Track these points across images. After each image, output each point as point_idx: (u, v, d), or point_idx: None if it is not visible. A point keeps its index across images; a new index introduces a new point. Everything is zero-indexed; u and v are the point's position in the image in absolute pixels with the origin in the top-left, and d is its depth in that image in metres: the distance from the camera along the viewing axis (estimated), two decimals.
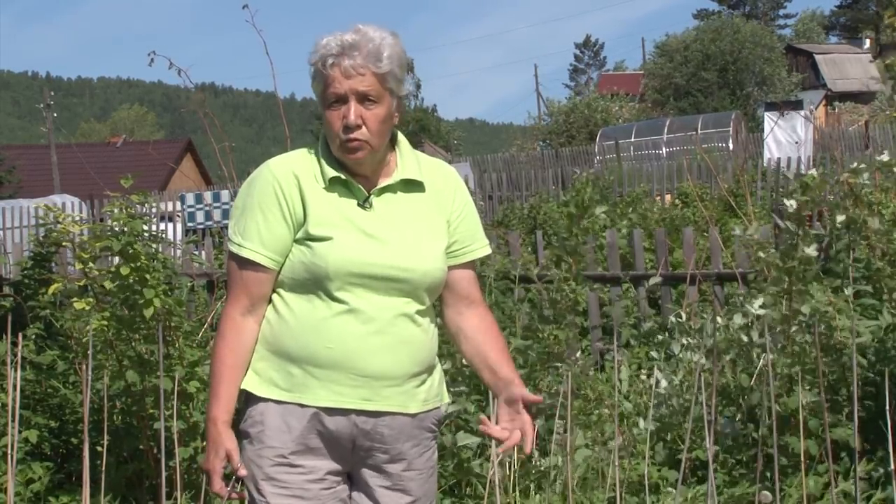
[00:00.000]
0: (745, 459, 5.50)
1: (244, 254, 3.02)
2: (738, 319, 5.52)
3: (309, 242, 3.02)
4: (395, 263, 3.03)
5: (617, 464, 5.24)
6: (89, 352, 4.79)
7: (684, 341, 6.28)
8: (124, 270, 5.50)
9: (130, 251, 5.50)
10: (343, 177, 3.04)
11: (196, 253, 10.02)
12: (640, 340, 7.69)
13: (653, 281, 7.36)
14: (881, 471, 5.33)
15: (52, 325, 6.69)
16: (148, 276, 5.52)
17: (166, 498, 5.34)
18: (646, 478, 5.17)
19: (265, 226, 3.01)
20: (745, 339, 5.47)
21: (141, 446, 5.75)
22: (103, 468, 5.13)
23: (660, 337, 6.88)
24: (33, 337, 6.35)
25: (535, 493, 5.91)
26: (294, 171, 3.04)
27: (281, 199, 3.01)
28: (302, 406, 3.04)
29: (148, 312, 5.50)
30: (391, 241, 3.04)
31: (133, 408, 5.77)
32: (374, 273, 3.01)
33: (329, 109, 3.01)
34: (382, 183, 3.09)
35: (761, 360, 5.52)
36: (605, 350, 8.01)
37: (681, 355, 6.31)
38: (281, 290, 3.06)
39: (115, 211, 5.62)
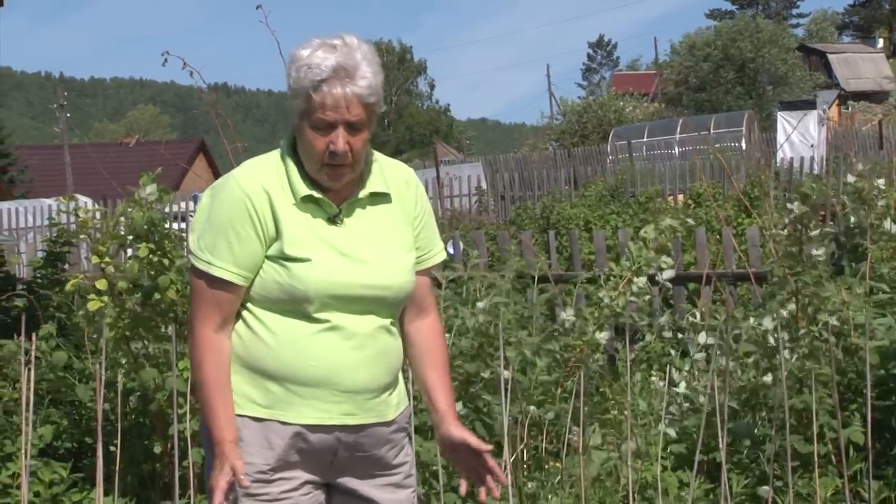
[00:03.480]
0: (759, 460, 5.48)
1: (216, 272, 2.93)
2: (767, 323, 5.48)
3: (285, 262, 2.95)
4: (374, 282, 3.00)
5: (630, 464, 5.22)
6: (103, 351, 4.80)
7: (700, 340, 6.26)
8: (143, 251, 5.49)
9: (153, 232, 5.49)
10: (315, 195, 2.97)
11: None
12: (654, 338, 7.66)
13: (666, 275, 7.32)
14: (889, 470, 5.31)
15: (66, 325, 6.70)
16: (167, 261, 5.52)
17: (179, 498, 5.35)
18: (658, 479, 5.15)
19: (238, 244, 2.92)
20: (771, 341, 5.44)
21: (156, 448, 5.75)
22: (117, 468, 5.13)
23: (674, 335, 6.85)
24: (47, 336, 6.35)
25: (550, 496, 5.90)
26: (264, 186, 2.94)
27: (253, 216, 2.93)
28: (283, 423, 3.00)
29: (166, 298, 5.48)
30: (367, 260, 2.99)
31: (147, 407, 5.77)
32: (354, 294, 2.98)
33: (312, 131, 2.91)
34: (350, 197, 3.02)
35: (776, 359, 5.50)
36: (619, 349, 7.99)
37: (696, 356, 6.28)
38: (250, 306, 3.00)
39: (138, 197, 5.58)
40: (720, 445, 4.85)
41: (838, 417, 4.73)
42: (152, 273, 5.55)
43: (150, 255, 5.51)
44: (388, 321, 3.07)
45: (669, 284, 7.84)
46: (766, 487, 4.84)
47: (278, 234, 2.94)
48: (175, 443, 5.25)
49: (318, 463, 3.06)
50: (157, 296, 5.54)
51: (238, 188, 2.94)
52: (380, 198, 3.05)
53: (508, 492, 5.10)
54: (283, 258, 2.95)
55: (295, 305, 2.96)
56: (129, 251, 5.68)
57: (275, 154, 3.03)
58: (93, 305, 5.60)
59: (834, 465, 5.16)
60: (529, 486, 5.72)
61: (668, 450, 5.78)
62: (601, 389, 6.06)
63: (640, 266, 6.13)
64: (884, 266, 6.11)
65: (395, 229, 3.06)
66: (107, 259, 5.60)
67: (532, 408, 5.77)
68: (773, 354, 5.42)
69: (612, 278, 6.17)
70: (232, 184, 2.96)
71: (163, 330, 5.67)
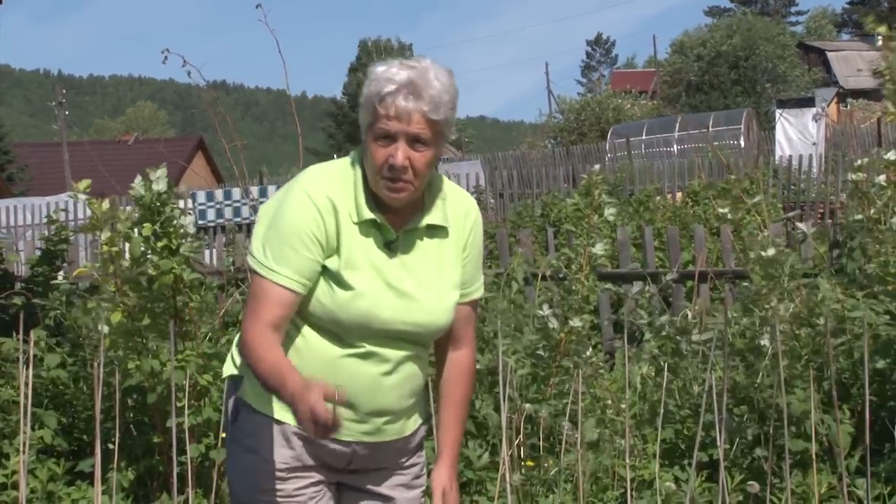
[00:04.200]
0: (756, 458, 5.49)
1: (279, 280, 2.91)
2: (757, 316, 5.51)
3: (333, 284, 2.95)
4: (414, 321, 3.02)
5: (628, 462, 5.23)
6: (101, 349, 4.81)
7: (696, 338, 6.27)
8: (146, 230, 5.50)
9: (160, 212, 5.51)
10: (378, 220, 2.96)
11: (206, 252, 10.04)
12: (653, 336, 7.67)
13: (669, 277, 7.35)
14: (881, 466, 5.32)
15: (63, 322, 6.70)
16: (172, 243, 5.54)
17: (178, 494, 5.36)
18: (656, 476, 5.16)
19: (303, 253, 2.91)
20: (764, 343, 5.45)
21: (155, 439, 5.76)
22: (115, 465, 5.14)
23: (671, 333, 6.86)
24: (44, 335, 6.36)
25: (548, 495, 5.91)
26: (333, 201, 2.92)
27: (320, 228, 2.91)
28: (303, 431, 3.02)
29: (163, 280, 5.49)
30: (412, 296, 2.99)
31: (146, 403, 5.78)
32: (392, 329, 3.00)
33: (375, 143, 2.90)
34: (409, 224, 3.00)
35: (766, 359, 5.51)
36: (617, 347, 8.00)
37: (692, 353, 6.29)
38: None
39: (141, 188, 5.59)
40: (718, 443, 4.87)
41: (835, 416, 4.74)
42: (154, 258, 5.57)
43: (153, 238, 5.52)
44: (420, 351, 3.11)
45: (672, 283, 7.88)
46: (752, 482, 4.84)
47: (338, 251, 2.94)
48: (173, 438, 5.26)
49: (333, 466, 3.10)
50: (157, 282, 5.55)
51: (307, 199, 2.91)
52: (437, 230, 3.04)
53: (507, 490, 5.11)
54: (333, 278, 2.95)
55: (332, 327, 2.98)
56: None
57: (342, 165, 3.01)
58: (91, 304, 5.61)
59: (827, 462, 5.17)
60: (526, 484, 5.74)
61: (666, 447, 5.78)
62: (594, 389, 6.06)
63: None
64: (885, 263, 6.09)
65: (446, 265, 3.06)
66: (115, 249, 5.61)
67: (527, 405, 5.78)
68: (765, 353, 5.43)
69: (572, 265, 6.17)
70: (300, 193, 2.93)
71: (163, 326, 5.68)
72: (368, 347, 2.99)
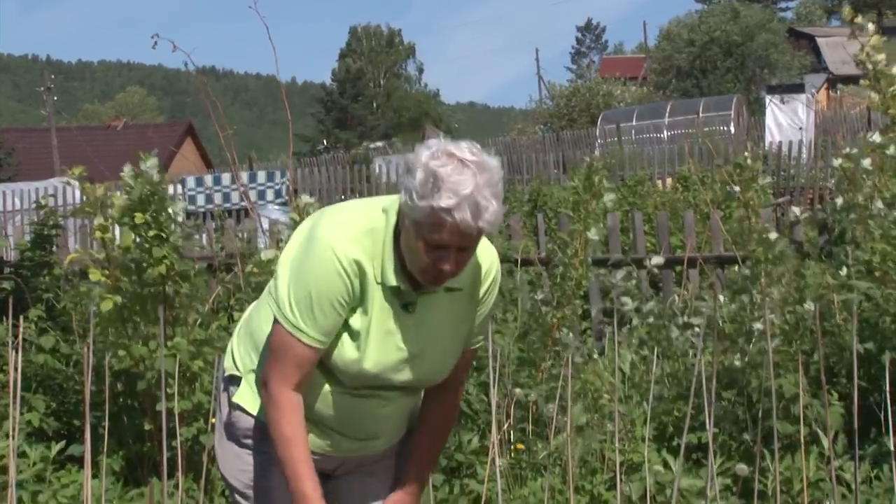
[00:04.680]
0: (744, 441, 5.51)
1: (308, 341, 2.88)
2: (745, 299, 5.53)
3: (343, 340, 2.93)
4: (416, 378, 3.02)
5: (617, 446, 5.25)
6: (90, 333, 4.81)
7: (682, 321, 6.29)
8: (139, 219, 5.50)
9: (151, 202, 5.50)
10: (402, 288, 2.91)
11: (197, 237, 10.03)
12: (642, 322, 7.70)
13: (655, 261, 7.35)
14: (867, 449, 5.35)
15: (54, 308, 6.71)
16: (164, 233, 5.53)
17: (168, 478, 5.37)
18: (645, 460, 5.18)
19: (330, 315, 2.87)
20: (757, 326, 5.47)
21: (146, 425, 5.76)
22: (104, 449, 5.14)
23: (661, 320, 6.88)
24: (35, 319, 6.36)
25: (536, 477, 5.93)
26: (360, 263, 2.85)
27: (348, 293, 2.86)
28: None
29: (155, 272, 5.50)
30: (419, 356, 2.98)
31: (136, 388, 5.78)
32: (391, 385, 3.01)
33: (424, 244, 2.78)
34: (430, 288, 2.95)
35: (754, 344, 5.53)
36: (607, 332, 8.02)
37: (681, 337, 6.32)
38: None
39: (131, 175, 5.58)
40: (706, 426, 4.88)
41: (824, 399, 4.76)
42: (146, 246, 5.57)
43: (145, 227, 5.52)
44: (419, 392, 3.13)
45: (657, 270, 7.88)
46: (742, 465, 4.86)
47: (355, 310, 2.90)
48: (163, 422, 5.26)
49: (321, 468, 3.09)
50: (149, 271, 5.55)
51: (336, 262, 2.84)
52: (456, 290, 2.99)
53: (497, 473, 5.13)
54: (346, 335, 2.93)
55: (333, 371, 2.98)
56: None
57: (371, 221, 2.90)
58: (94, 276, 5.61)
59: (816, 445, 5.20)
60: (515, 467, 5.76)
61: (655, 431, 5.81)
62: (583, 374, 6.08)
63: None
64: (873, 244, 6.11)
65: (459, 322, 3.03)
66: (109, 235, 5.61)
67: (517, 390, 5.80)
68: (753, 336, 5.46)
69: (567, 249, 6.18)
70: (328, 253, 2.84)
71: (153, 312, 5.68)
72: (367, 391, 3.01)
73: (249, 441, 3.07)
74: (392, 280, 2.87)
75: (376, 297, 2.90)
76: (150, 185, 5.55)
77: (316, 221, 2.92)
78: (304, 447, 2.90)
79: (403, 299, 2.92)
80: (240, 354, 3.11)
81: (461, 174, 2.72)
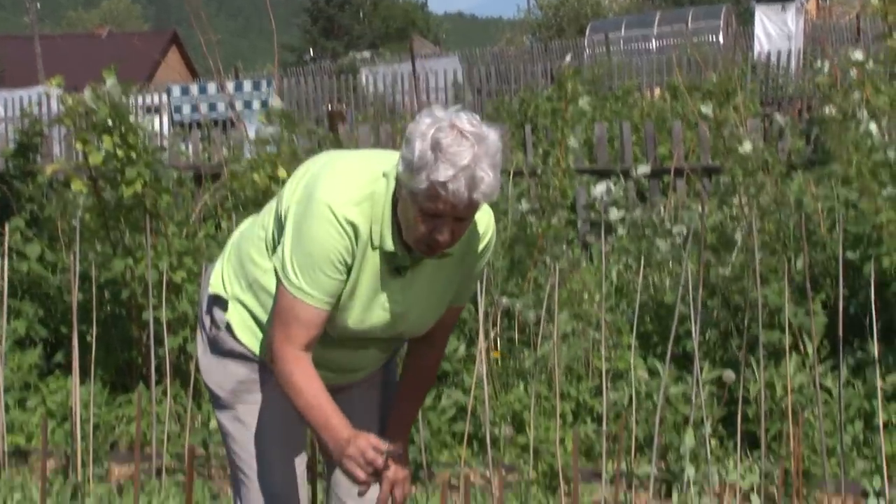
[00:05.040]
0: (729, 350, 5.56)
1: (313, 303, 2.87)
2: (726, 211, 5.55)
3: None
4: (397, 333, 3.04)
5: (603, 354, 5.29)
6: (76, 242, 4.80)
7: (674, 230, 6.30)
8: (107, 143, 5.46)
9: (117, 125, 5.46)
10: (399, 254, 2.90)
11: (183, 145, 9.98)
12: (628, 231, 7.72)
13: (641, 170, 7.34)
14: (850, 360, 5.40)
15: (39, 215, 6.68)
16: (134, 153, 5.50)
17: (156, 385, 5.40)
18: (631, 367, 5.22)
19: (334, 275, 2.87)
20: (737, 235, 5.49)
21: (132, 333, 5.78)
22: (92, 357, 5.16)
23: (647, 230, 6.89)
24: (20, 227, 6.34)
25: (522, 384, 5.97)
26: (358, 227, 2.84)
27: (348, 253, 2.86)
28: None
29: (129, 191, 5.48)
30: (401, 315, 2.98)
31: (122, 297, 5.79)
32: (375, 336, 3.02)
33: (420, 212, 2.77)
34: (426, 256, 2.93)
35: (736, 252, 5.55)
36: (593, 241, 8.04)
37: (667, 246, 6.33)
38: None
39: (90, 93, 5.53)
40: (692, 335, 4.93)
41: (809, 307, 4.79)
42: (118, 166, 5.54)
43: (115, 149, 5.49)
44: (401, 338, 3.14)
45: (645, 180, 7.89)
46: (729, 371, 4.91)
47: (348, 272, 2.90)
48: (150, 331, 5.28)
49: None
50: (123, 189, 5.53)
51: (336, 224, 2.83)
52: (450, 254, 2.96)
53: (483, 381, 5.16)
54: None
55: None
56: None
57: (373, 186, 2.88)
58: (76, 186, 5.58)
59: (800, 353, 5.24)
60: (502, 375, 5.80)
61: (640, 339, 5.84)
62: (569, 283, 6.10)
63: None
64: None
65: (448, 283, 3.02)
66: (90, 146, 5.56)
67: (504, 299, 5.82)
68: (735, 246, 5.47)
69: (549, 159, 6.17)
70: (328, 216, 2.83)
71: (136, 222, 5.67)
72: (350, 341, 3.02)
73: (231, 352, 3.08)
74: (390, 246, 2.87)
75: (369, 260, 2.90)
76: (113, 108, 5.47)
77: (315, 180, 2.90)
78: (320, 393, 2.89)
79: (396, 263, 2.93)
80: (228, 278, 3.10)
81: (460, 146, 2.71)
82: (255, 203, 5.81)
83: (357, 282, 2.90)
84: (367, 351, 3.09)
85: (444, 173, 2.69)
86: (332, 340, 2.98)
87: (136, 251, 5.67)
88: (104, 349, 5.72)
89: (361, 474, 2.78)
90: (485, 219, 2.99)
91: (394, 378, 3.29)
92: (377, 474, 2.79)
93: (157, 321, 5.36)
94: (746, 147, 5.62)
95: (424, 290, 2.97)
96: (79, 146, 5.61)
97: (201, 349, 3.16)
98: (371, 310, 2.94)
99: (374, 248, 2.88)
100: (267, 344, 2.97)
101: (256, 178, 5.87)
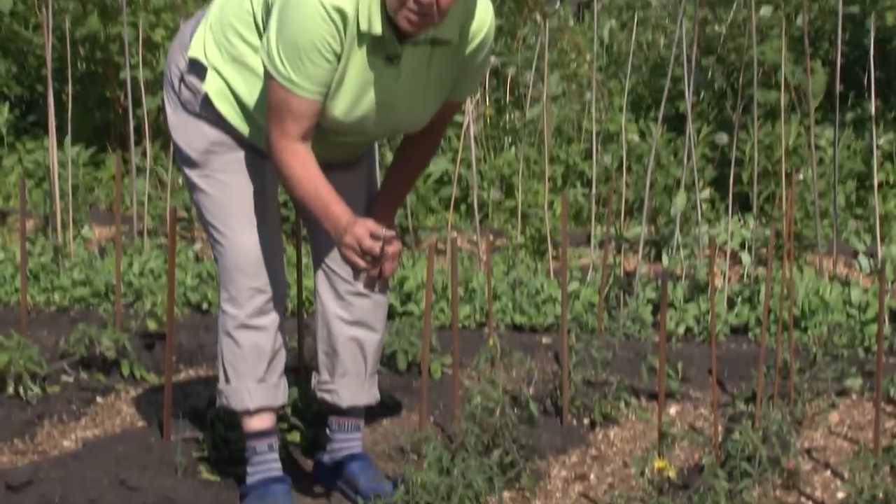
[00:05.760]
0: (723, 111, 5.43)
1: (301, 93, 2.78)
2: None
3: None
4: (390, 127, 2.97)
5: (594, 115, 5.15)
6: None
7: None
8: None
9: None
10: (386, 36, 2.78)
11: None
12: None
13: None
14: (848, 115, 5.29)
15: None
16: None
17: (135, 146, 5.28)
18: (622, 129, 5.09)
19: (322, 63, 2.76)
20: None
21: (108, 93, 5.63)
22: (69, 116, 5.01)
23: None
24: None
25: (511, 146, 5.87)
26: (344, 12, 2.73)
27: (335, 40, 2.75)
28: (252, 145, 2.97)
29: None
30: (394, 107, 2.88)
31: (98, 55, 5.61)
32: (369, 130, 2.94)
33: None
34: (416, 38, 2.80)
35: (734, 8, 5.37)
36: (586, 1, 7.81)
37: (660, 4, 6.14)
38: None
39: None
40: (685, 95, 4.78)
41: (807, 64, 4.63)
42: None
43: None
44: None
45: None
46: (721, 133, 4.79)
47: (338, 60, 2.79)
48: (128, 91, 5.13)
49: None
50: None
51: (321, 8, 2.72)
52: (443, 42, 2.84)
53: (471, 143, 5.05)
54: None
55: None
56: None
57: None
58: None
59: (796, 112, 5.11)
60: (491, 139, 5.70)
61: (632, 100, 5.70)
62: (560, 42, 5.93)
63: None
64: None
65: (443, 76, 2.90)
66: None
67: (492, 57, 5.64)
68: (733, 1, 5.28)
69: None
70: (313, 1, 2.72)
71: None
72: (344, 133, 2.94)
73: (209, 118, 2.98)
74: (378, 28, 2.75)
75: (358, 49, 2.79)
76: None
77: None
78: (319, 181, 2.82)
79: (388, 51, 2.81)
80: (209, 44, 2.97)
81: None
82: None
83: (345, 71, 2.80)
84: (360, 139, 3.01)
85: None
86: (326, 135, 2.90)
87: (111, 4, 5.46)
88: (81, 108, 5.57)
89: (360, 262, 2.75)
90: (483, 9, 2.88)
91: (374, 151, 3.22)
92: (375, 260, 2.75)
93: (136, 81, 5.20)
94: None
95: (419, 82, 2.87)
96: None
97: (171, 107, 3.06)
98: (360, 101, 2.85)
99: (361, 33, 2.77)
100: (265, 137, 2.88)
101: None
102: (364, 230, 2.73)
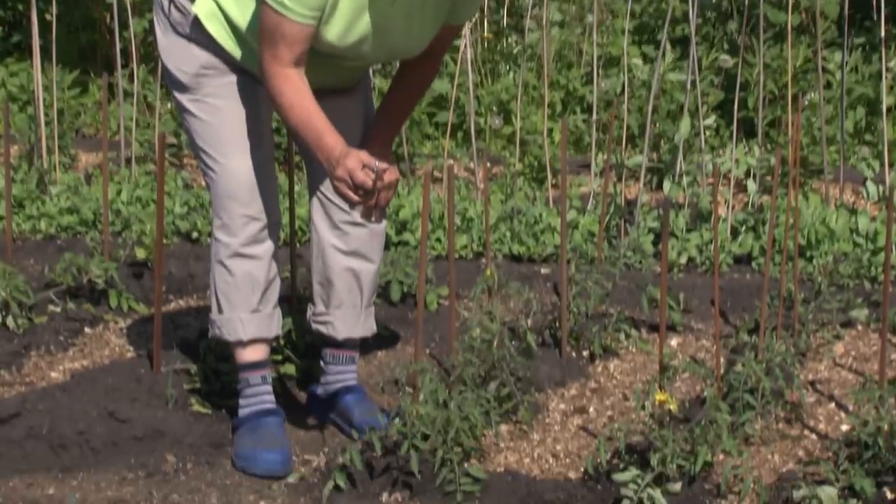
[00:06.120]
0: (728, 31, 5.30)
1: (294, 17, 2.69)
2: None
3: None
4: (386, 54, 2.90)
5: (595, 39, 5.03)
6: None
7: None
8: None
9: None
10: None
11: None
12: None
13: None
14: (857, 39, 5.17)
15: None
16: None
17: (122, 69, 5.16)
18: (624, 53, 4.97)
19: None
20: None
21: (94, 14, 5.50)
22: (53, 37, 4.89)
23: None
24: None
25: (510, 71, 5.75)
26: None
27: None
28: (244, 69, 2.90)
29: None
30: (390, 32, 2.79)
31: None
32: (365, 56, 2.85)
33: None
34: None
35: None
36: None
37: None
38: None
39: None
40: (689, 17, 4.65)
41: None
42: None
43: None
44: None
45: None
46: (725, 56, 4.67)
47: None
48: (114, 12, 5.00)
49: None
50: None
51: None
52: None
53: (468, 68, 4.94)
54: None
55: None
56: None
57: None
58: None
59: (804, 35, 4.98)
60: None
61: (635, 23, 5.57)
62: None
63: None
64: None
65: (440, 3, 2.80)
66: None
67: None
68: None
69: None
70: None
71: None
72: (340, 58, 2.85)
73: (199, 40, 2.90)
74: None
75: None
76: None
77: None
78: (311, 108, 2.75)
79: None
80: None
81: None
82: None
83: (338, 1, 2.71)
84: (358, 64, 2.93)
85: None
86: (321, 59, 2.81)
87: None
88: (65, 30, 5.43)
89: (353, 196, 2.69)
90: None
91: (370, 76, 3.17)
92: (369, 193, 2.68)
93: (122, 1, 5.06)
94: None
95: (416, 4, 2.77)
96: None
97: (160, 29, 2.98)
98: (355, 25, 2.76)
99: None
100: (259, 63, 2.80)
101: None
102: (356, 162, 2.66)
